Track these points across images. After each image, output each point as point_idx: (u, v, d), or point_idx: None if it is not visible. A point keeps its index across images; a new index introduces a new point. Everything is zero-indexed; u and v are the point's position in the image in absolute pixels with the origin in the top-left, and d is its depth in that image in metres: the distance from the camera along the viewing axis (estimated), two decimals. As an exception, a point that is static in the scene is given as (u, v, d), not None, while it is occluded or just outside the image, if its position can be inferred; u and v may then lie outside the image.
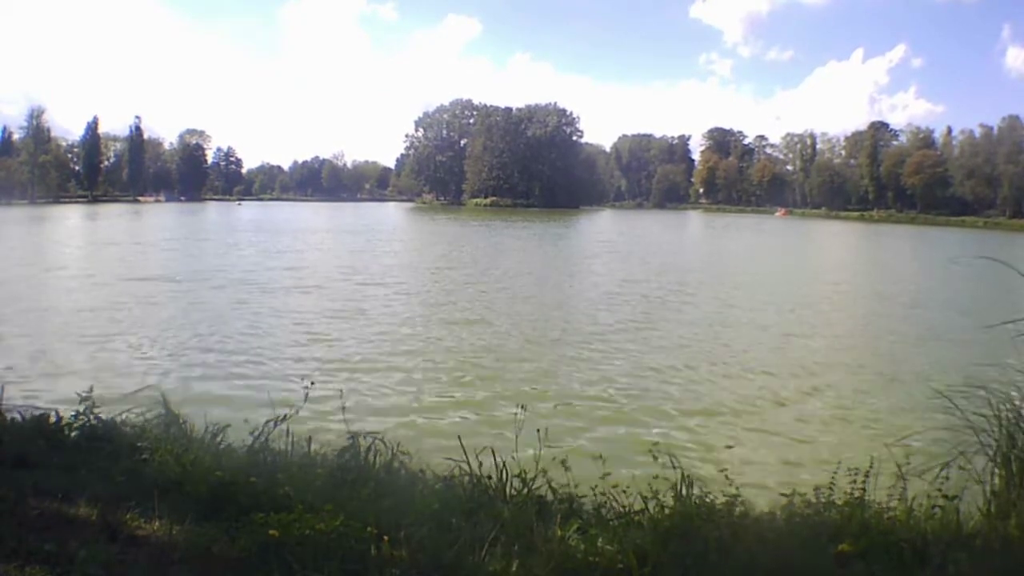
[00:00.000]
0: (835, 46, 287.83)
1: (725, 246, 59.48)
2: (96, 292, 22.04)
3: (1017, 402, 5.35)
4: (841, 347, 17.77)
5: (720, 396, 12.74)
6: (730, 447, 10.04)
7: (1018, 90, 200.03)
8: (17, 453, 5.07)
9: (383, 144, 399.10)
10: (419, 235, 62.42)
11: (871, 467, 4.97)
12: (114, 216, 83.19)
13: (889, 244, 69.23)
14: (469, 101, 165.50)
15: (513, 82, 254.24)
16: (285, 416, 5.73)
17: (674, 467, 4.89)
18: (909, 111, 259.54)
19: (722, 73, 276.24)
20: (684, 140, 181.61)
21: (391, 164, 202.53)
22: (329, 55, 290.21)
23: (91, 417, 6.00)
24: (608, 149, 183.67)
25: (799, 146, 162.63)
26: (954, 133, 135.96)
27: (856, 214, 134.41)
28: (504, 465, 5.33)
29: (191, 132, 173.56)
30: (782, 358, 16.10)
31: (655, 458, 5.13)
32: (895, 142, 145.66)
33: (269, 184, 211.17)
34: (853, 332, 19.88)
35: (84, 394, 6.15)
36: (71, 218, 76.85)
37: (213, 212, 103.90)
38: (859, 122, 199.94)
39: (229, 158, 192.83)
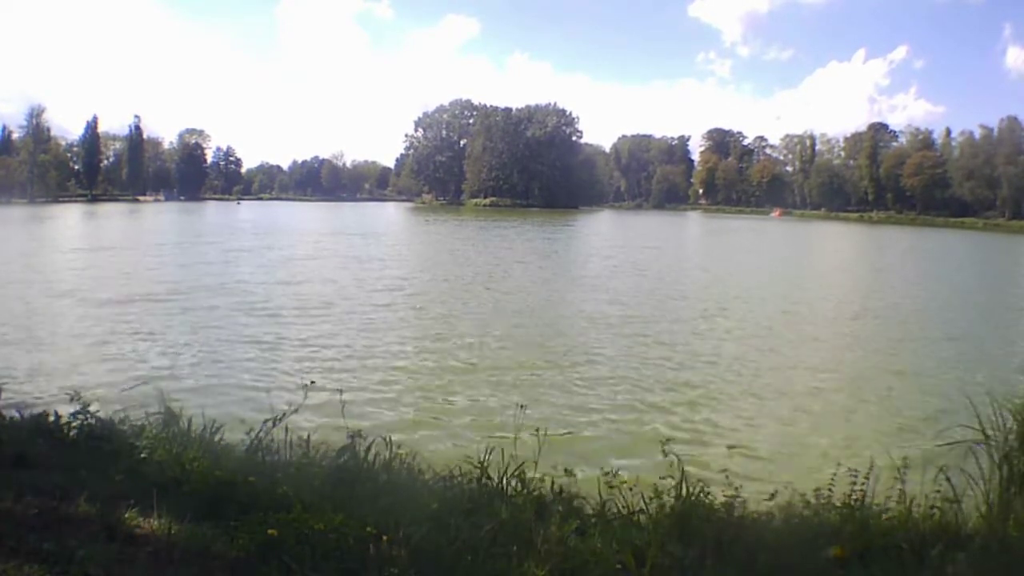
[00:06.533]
0: (836, 46, 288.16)
1: (728, 248, 59.51)
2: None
3: (1016, 404, 5.35)
4: (844, 350, 17.77)
5: (721, 397, 12.75)
6: (731, 447, 10.05)
7: (1018, 90, 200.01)
8: (16, 452, 5.07)
9: (383, 144, 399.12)
10: (429, 238, 62.17)
11: (871, 468, 4.98)
12: (113, 216, 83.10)
13: (887, 245, 69.27)
14: (468, 101, 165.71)
15: (512, 82, 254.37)
16: (284, 415, 5.72)
17: (674, 467, 4.89)
18: (909, 112, 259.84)
19: (721, 73, 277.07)
20: (683, 140, 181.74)
21: (391, 164, 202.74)
22: (327, 54, 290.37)
23: (90, 416, 5.99)
24: (607, 149, 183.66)
25: (798, 147, 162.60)
26: (953, 134, 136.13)
27: (855, 215, 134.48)
28: (503, 465, 5.33)
29: (190, 131, 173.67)
30: (784, 361, 16.11)
31: (664, 454, 5.13)
32: (895, 143, 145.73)
33: (268, 184, 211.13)
34: (854, 336, 19.87)
35: (82, 393, 6.14)
36: (70, 219, 76.72)
37: (212, 212, 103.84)
38: (859, 123, 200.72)
39: (228, 157, 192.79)
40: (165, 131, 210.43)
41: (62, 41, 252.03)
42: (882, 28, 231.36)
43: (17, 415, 6.25)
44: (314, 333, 17.30)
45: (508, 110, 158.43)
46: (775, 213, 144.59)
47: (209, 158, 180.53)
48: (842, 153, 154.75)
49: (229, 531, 3.81)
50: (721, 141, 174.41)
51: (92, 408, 6.08)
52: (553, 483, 5.11)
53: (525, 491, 5.05)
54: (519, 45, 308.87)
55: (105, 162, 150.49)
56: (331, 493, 4.48)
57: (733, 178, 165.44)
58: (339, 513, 3.88)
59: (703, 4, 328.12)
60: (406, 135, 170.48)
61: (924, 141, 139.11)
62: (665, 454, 5.11)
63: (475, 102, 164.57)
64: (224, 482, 4.46)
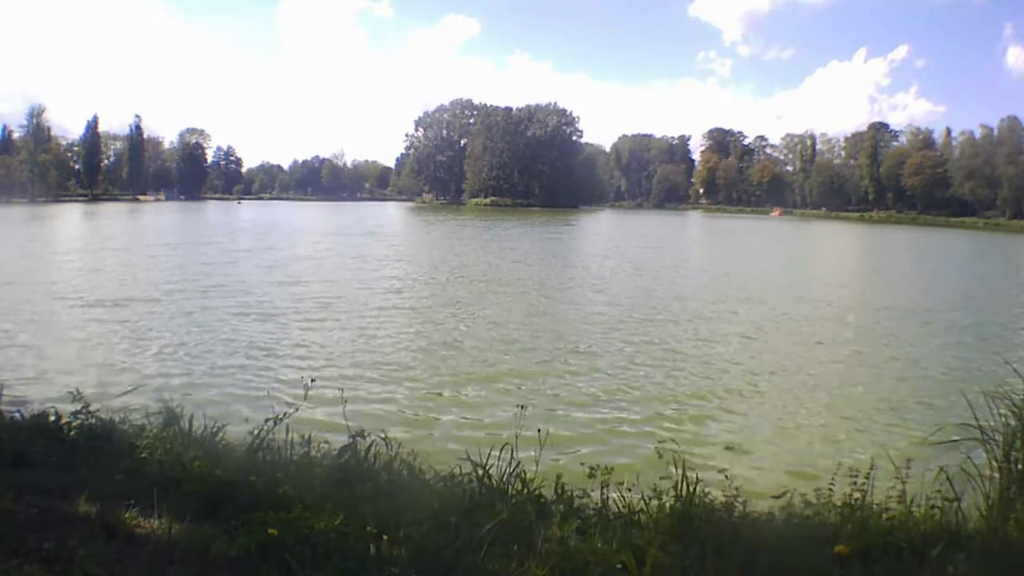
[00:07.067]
0: (836, 46, 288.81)
1: (727, 248, 59.54)
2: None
3: (1016, 404, 5.35)
4: (844, 351, 17.76)
5: (721, 398, 12.73)
6: (731, 448, 10.05)
7: (1019, 90, 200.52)
8: (16, 452, 5.07)
9: (383, 144, 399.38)
10: (430, 239, 62.03)
11: (871, 468, 4.98)
12: (113, 216, 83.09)
13: (887, 245, 69.26)
14: (469, 101, 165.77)
15: (512, 82, 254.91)
16: (285, 415, 5.72)
17: (675, 467, 4.89)
18: (909, 111, 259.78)
19: (721, 73, 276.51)
20: (684, 140, 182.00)
21: (391, 164, 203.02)
22: (327, 53, 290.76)
23: (90, 416, 6.00)
24: (608, 149, 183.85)
25: (799, 146, 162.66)
26: (954, 134, 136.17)
27: (856, 215, 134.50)
28: (504, 465, 5.33)
29: (191, 131, 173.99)
30: (784, 362, 16.09)
31: (660, 455, 5.14)
32: (895, 143, 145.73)
33: (269, 183, 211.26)
34: (855, 336, 19.86)
35: (83, 394, 6.14)
36: (70, 219, 76.69)
37: (213, 212, 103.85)
38: (859, 122, 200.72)
39: (229, 157, 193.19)
40: (165, 131, 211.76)
41: (62, 41, 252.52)
42: (883, 27, 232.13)
43: (17, 415, 6.26)
44: (315, 334, 17.28)
45: (509, 110, 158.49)
46: (775, 213, 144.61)
47: (209, 158, 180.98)
48: (843, 153, 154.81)
49: (230, 530, 3.80)
50: (721, 141, 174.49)
51: (92, 408, 6.08)
52: (555, 483, 5.11)
53: (526, 491, 5.05)
54: (519, 45, 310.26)
55: (105, 162, 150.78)
56: (332, 493, 4.48)
57: (733, 178, 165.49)
58: (340, 513, 3.89)
59: (703, 4, 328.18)
60: (406, 135, 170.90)
61: (925, 141, 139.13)
62: (665, 454, 5.12)
63: (475, 102, 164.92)
64: (225, 482, 4.47)
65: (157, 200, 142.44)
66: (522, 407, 6.33)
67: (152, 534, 3.82)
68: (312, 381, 6.71)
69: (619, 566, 3.83)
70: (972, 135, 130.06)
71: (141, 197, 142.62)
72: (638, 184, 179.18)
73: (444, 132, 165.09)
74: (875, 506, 4.73)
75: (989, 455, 5.13)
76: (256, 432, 5.65)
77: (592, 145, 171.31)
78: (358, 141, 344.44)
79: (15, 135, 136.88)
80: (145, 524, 3.92)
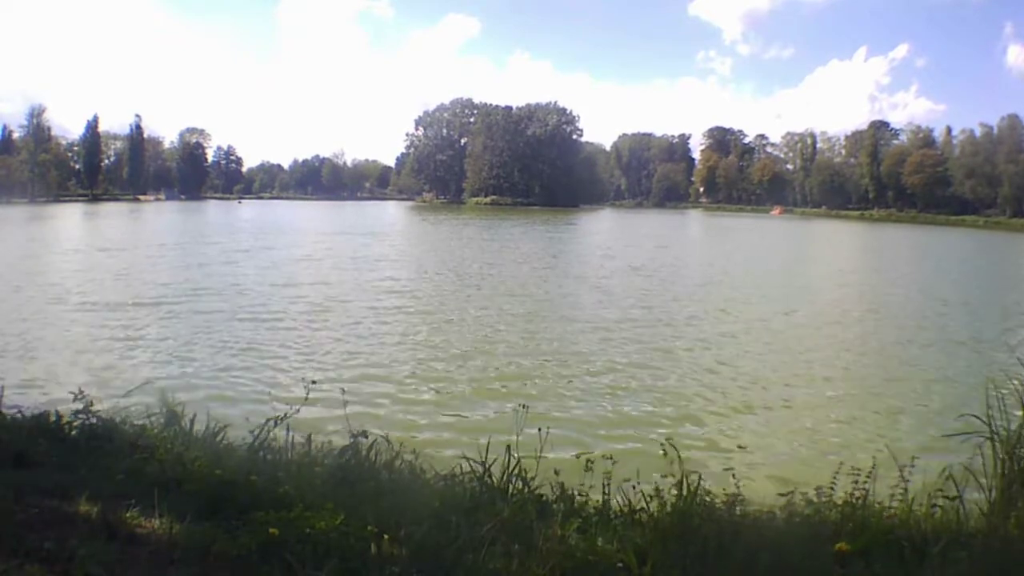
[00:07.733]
0: (837, 44, 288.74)
1: (729, 248, 59.51)
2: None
3: (1021, 401, 5.34)
4: (844, 349, 17.74)
5: (723, 396, 12.72)
6: (732, 446, 10.05)
7: (1019, 89, 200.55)
8: (17, 452, 5.06)
9: (383, 143, 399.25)
10: (431, 239, 61.98)
11: (873, 467, 4.97)
12: (114, 216, 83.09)
13: (888, 244, 69.20)
14: (469, 100, 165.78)
15: (513, 81, 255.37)
16: (286, 415, 5.72)
17: (676, 466, 4.88)
18: (910, 110, 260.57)
19: (722, 71, 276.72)
20: (684, 139, 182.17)
21: (391, 163, 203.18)
22: (328, 53, 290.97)
23: (91, 416, 5.99)
24: (608, 148, 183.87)
25: (799, 145, 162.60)
26: (954, 132, 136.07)
27: (856, 213, 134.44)
28: (505, 464, 5.33)
29: (191, 131, 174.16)
30: (786, 361, 16.09)
31: (664, 453, 5.13)
32: (895, 141, 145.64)
33: (269, 183, 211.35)
34: (857, 336, 19.85)
35: (82, 393, 6.13)
36: (70, 219, 76.66)
37: (214, 212, 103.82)
38: (859, 121, 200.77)
39: (229, 156, 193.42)
40: (166, 130, 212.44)
41: (62, 41, 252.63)
42: (883, 26, 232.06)
43: (18, 415, 6.25)
44: (316, 335, 17.28)
45: (509, 109, 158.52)
46: (775, 211, 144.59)
47: (210, 157, 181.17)
48: (843, 151, 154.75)
49: (231, 530, 3.80)
50: (722, 139, 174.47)
51: (93, 408, 6.07)
52: (555, 482, 5.10)
53: (527, 490, 5.04)
54: (520, 44, 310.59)
55: (106, 161, 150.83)
56: (333, 492, 4.48)
57: (734, 176, 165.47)
58: (341, 512, 3.88)
59: (703, 3, 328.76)
60: (407, 134, 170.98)
61: (925, 139, 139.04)
62: (666, 453, 5.11)
63: (476, 101, 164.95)
64: (225, 481, 4.46)
65: (157, 200, 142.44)
66: (523, 406, 6.32)
67: (153, 534, 3.82)
68: (313, 382, 6.72)
69: (620, 565, 3.83)
70: (972, 133, 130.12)
71: (141, 197, 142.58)
72: (638, 183, 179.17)
73: (444, 131, 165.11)
74: (876, 504, 4.72)
75: (993, 453, 5.12)
76: (257, 432, 5.65)
77: (592, 144, 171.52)
78: (358, 141, 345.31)
79: (15, 135, 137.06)
80: (146, 524, 3.91)
